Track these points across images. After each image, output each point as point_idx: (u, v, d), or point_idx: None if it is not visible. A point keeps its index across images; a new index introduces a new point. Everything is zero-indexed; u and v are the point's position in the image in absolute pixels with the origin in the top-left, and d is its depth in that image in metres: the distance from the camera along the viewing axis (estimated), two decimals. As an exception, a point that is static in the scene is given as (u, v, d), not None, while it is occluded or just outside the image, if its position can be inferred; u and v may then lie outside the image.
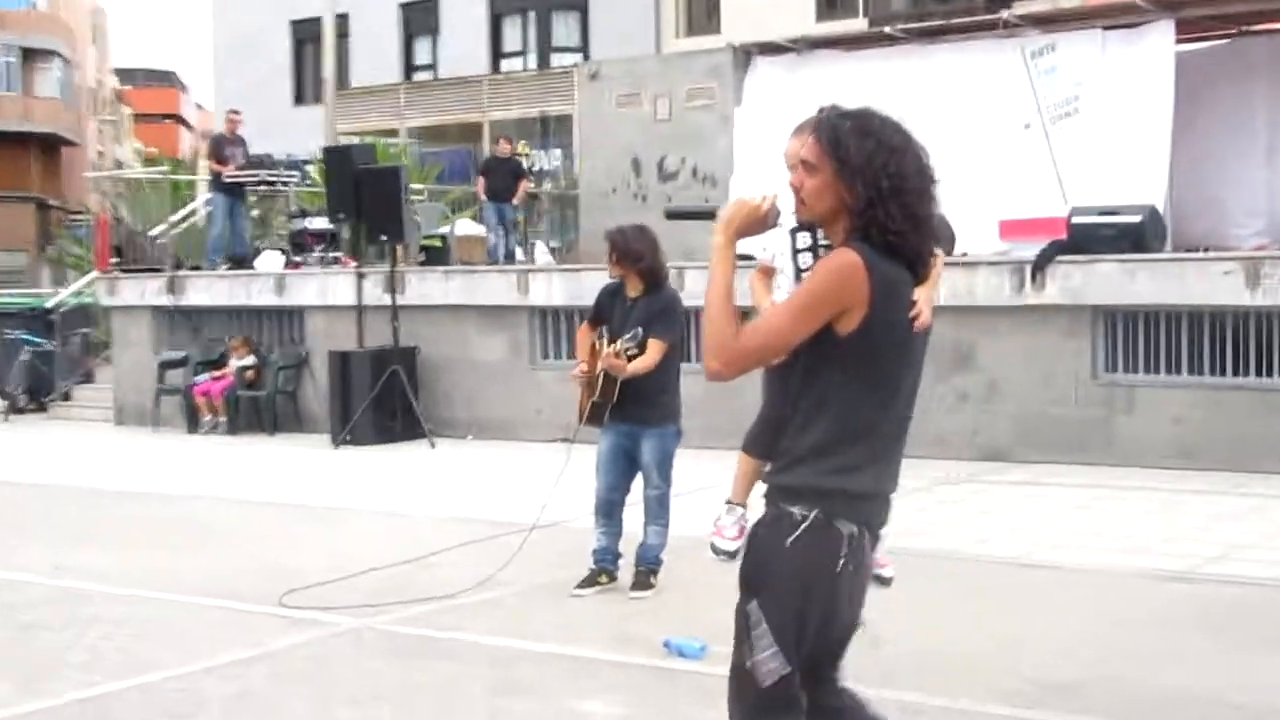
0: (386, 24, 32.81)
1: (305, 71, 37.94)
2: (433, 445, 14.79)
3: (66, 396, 19.68)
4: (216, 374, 16.96)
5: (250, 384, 16.90)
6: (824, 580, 3.55)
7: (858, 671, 6.13)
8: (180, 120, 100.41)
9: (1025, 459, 12.21)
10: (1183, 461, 11.51)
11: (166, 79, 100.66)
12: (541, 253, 20.85)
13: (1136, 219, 12.51)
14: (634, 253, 7.91)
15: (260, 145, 32.07)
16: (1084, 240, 12.55)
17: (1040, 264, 12.16)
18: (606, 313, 8.08)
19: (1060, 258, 12.15)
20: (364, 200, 15.17)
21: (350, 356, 15.36)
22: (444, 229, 19.99)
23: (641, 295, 7.89)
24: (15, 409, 19.39)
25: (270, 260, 17.84)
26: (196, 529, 10.58)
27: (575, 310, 15.04)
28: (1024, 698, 5.91)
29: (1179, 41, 14.38)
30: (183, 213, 19.40)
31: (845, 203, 3.51)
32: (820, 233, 3.78)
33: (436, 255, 18.55)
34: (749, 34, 21.31)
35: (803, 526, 3.52)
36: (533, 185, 23.76)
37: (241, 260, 18.39)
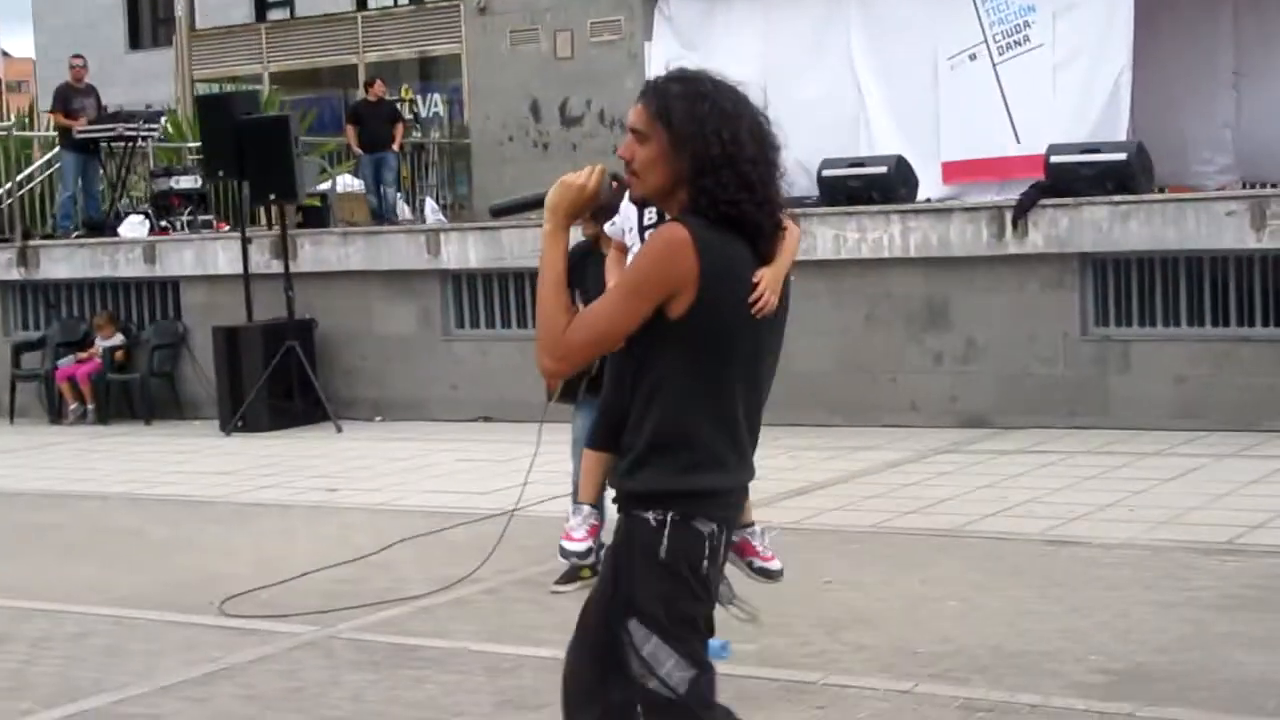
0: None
1: (140, 11, 37.19)
2: (339, 429, 14.54)
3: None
4: (81, 356, 16.51)
5: (120, 366, 16.48)
6: (692, 583, 3.59)
7: (912, 667, 6.14)
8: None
9: (1011, 424, 12.26)
10: (1188, 422, 11.62)
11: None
12: (432, 210, 20.58)
13: (1121, 156, 12.58)
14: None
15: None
16: (1064, 181, 12.59)
17: (1022, 209, 12.18)
18: (578, 275, 7.88)
19: (1043, 201, 12.15)
20: (247, 155, 14.79)
21: (239, 332, 15.03)
22: (323, 186, 19.67)
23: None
24: None
25: (134, 226, 17.39)
26: (102, 533, 10.33)
27: (494, 274, 14.86)
28: (1097, 690, 5.88)
29: (1137, -39, 14.48)
30: (24, 174, 18.77)
31: (680, 174, 3.51)
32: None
33: (315, 216, 18.22)
34: None
35: (661, 533, 3.55)
36: (417, 132, 23.42)
37: (99, 226, 17.91)
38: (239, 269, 15.87)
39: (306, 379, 14.94)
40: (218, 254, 16.16)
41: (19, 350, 17.08)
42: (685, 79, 3.58)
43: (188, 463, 13.29)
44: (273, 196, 14.97)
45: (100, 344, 16.52)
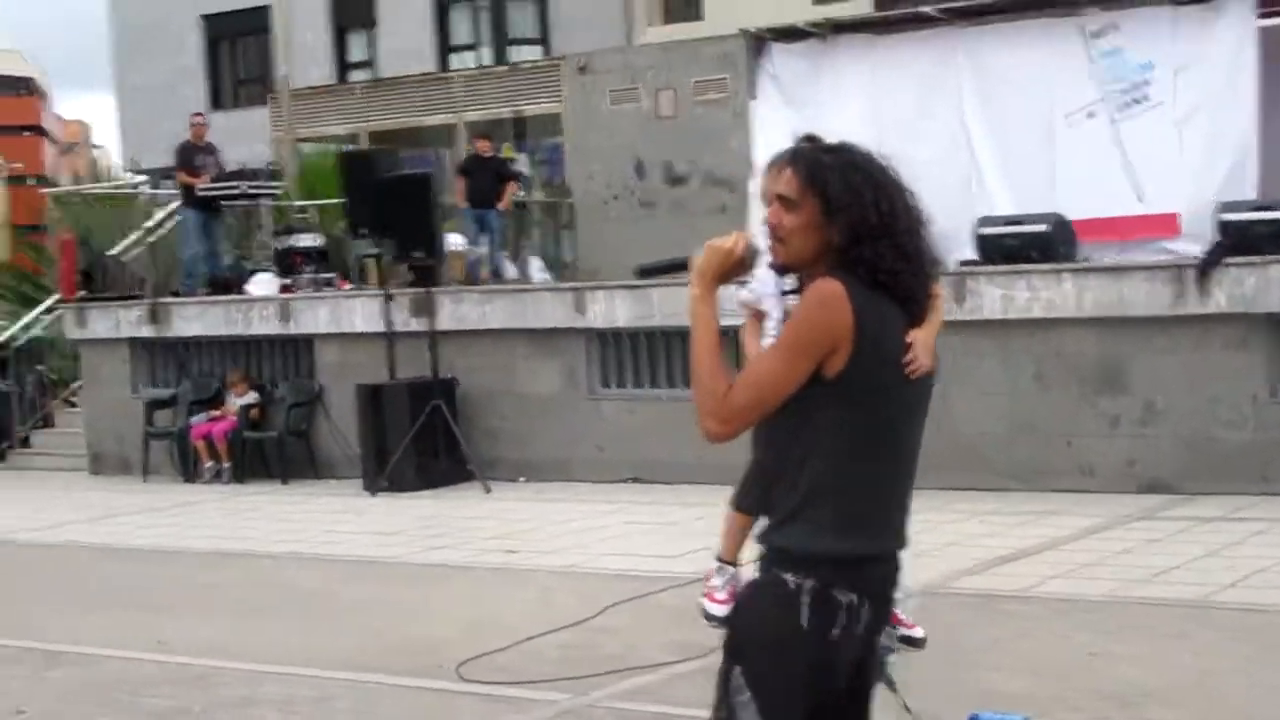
0: (314, 16, 32.14)
1: (221, 72, 37.27)
2: (487, 489, 14.31)
3: (25, 443, 18.96)
4: (215, 414, 16.36)
5: (254, 424, 16.32)
6: (815, 656, 3.56)
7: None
8: (41, 132, 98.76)
9: (1195, 490, 11.92)
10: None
11: (24, 86, 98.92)
12: (538, 269, 20.44)
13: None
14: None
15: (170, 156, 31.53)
16: (1239, 240, 12.34)
17: (1207, 267, 11.91)
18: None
19: (1227, 260, 11.89)
20: (389, 213, 14.66)
21: (382, 390, 14.83)
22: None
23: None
24: (-35, 459, 18.68)
25: (264, 283, 17.27)
26: (287, 593, 10.14)
27: (641, 332, 14.65)
28: None
29: (1261, 16, 14.20)
30: (141, 231, 18.71)
31: (829, 242, 3.57)
32: (807, 272, 3.72)
33: (427, 274, 18.10)
34: (736, 21, 20.96)
35: (794, 598, 3.54)
36: (521, 190, 23.29)
37: (224, 284, 17.81)
38: (374, 327, 15.77)
39: (451, 438, 14.75)
40: (354, 311, 16.03)
41: (151, 408, 16.94)
42: (835, 149, 3.64)
43: (344, 522, 13.11)
44: (417, 254, 14.78)
45: (234, 401, 16.38)
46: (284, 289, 17.16)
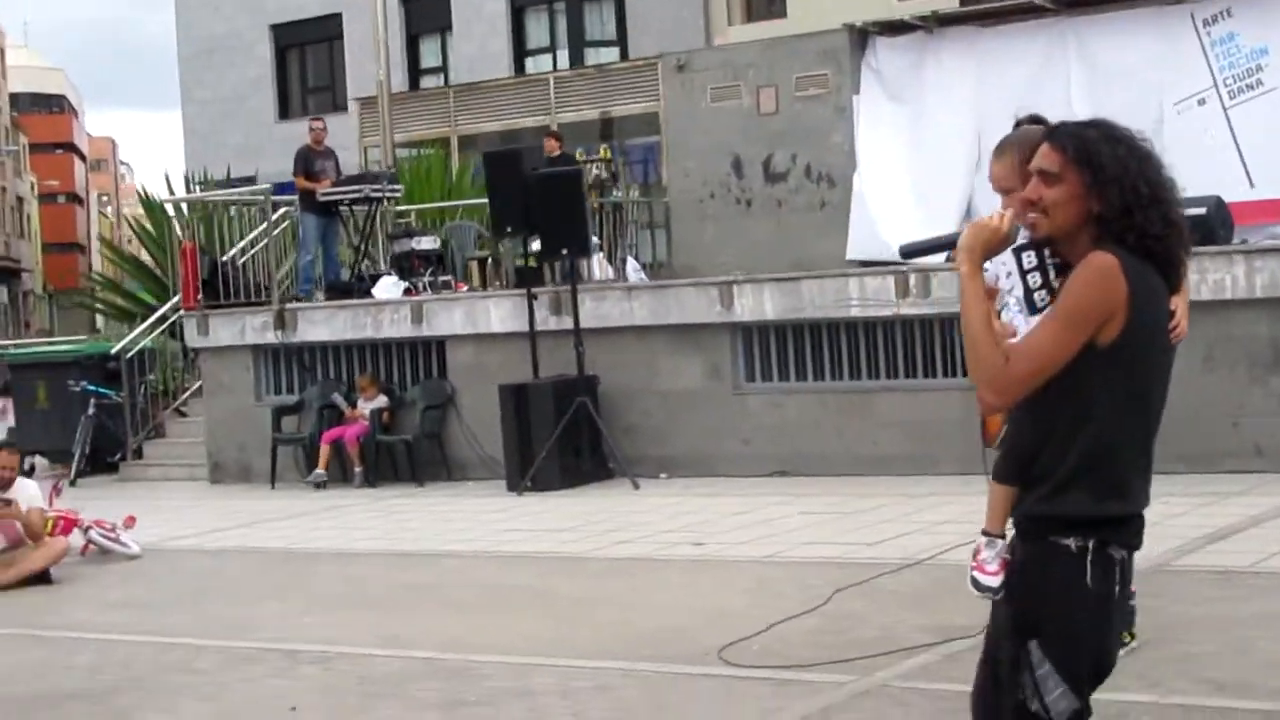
0: (387, 22, 32.16)
1: (289, 81, 37.38)
2: (636, 486, 14.33)
3: (138, 454, 19.02)
4: (348, 418, 16.41)
5: (385, 428, 16.36)
6: (1102, 611, 3.81)
7: None
8: (74, 149, 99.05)
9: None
10: None
11: (57, 104, 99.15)
12: (634, 269, 20.40)
13: None
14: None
15: (243, 166, 31.58)
16: None
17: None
18: None
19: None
20: (537, 210, 14.70)
21: (528, 389, 14.85)
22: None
23: None
24: (81, 471, 18.71)
25: (389, 287, 17.32)
26: (494, 590, 10.17)
27: (789, 325, 14.66)
28: None
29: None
30: (256, 237, 18.79)
31: (1092, 213, 3.77)
32: (1047, 251, 3.97)
33: (529, 276, 18.15)
34: (821, 17, 21.00)
35: (1080, 560, 3.77)
36: (617, 192, 23.27)
37: (345, 289, 17.88)
38: (510, 327, 15.83)
39: (594, 436, 14.78)
40: (489, 311, 16.06)
41: (279, 414, 16.99)
42: (1097, 125, 3.85)
43: (506, 520, 13.13)
44: (564, 251, 14.80)
45: (364, 406, 16.42)
46: (407, 292, 17.21)
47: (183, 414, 19.67)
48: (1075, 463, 3.78)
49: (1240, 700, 6.37)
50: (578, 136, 24.91)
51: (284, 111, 36.93)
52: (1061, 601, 3.79)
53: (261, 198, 18.53)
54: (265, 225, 18.23)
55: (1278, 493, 11.36)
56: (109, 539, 12.41)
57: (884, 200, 18.16)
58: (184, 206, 19.30)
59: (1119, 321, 3.72)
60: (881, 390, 14.19)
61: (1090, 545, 3.77)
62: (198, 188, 27.57)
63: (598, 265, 20.37)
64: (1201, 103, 16.60)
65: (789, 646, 7.83)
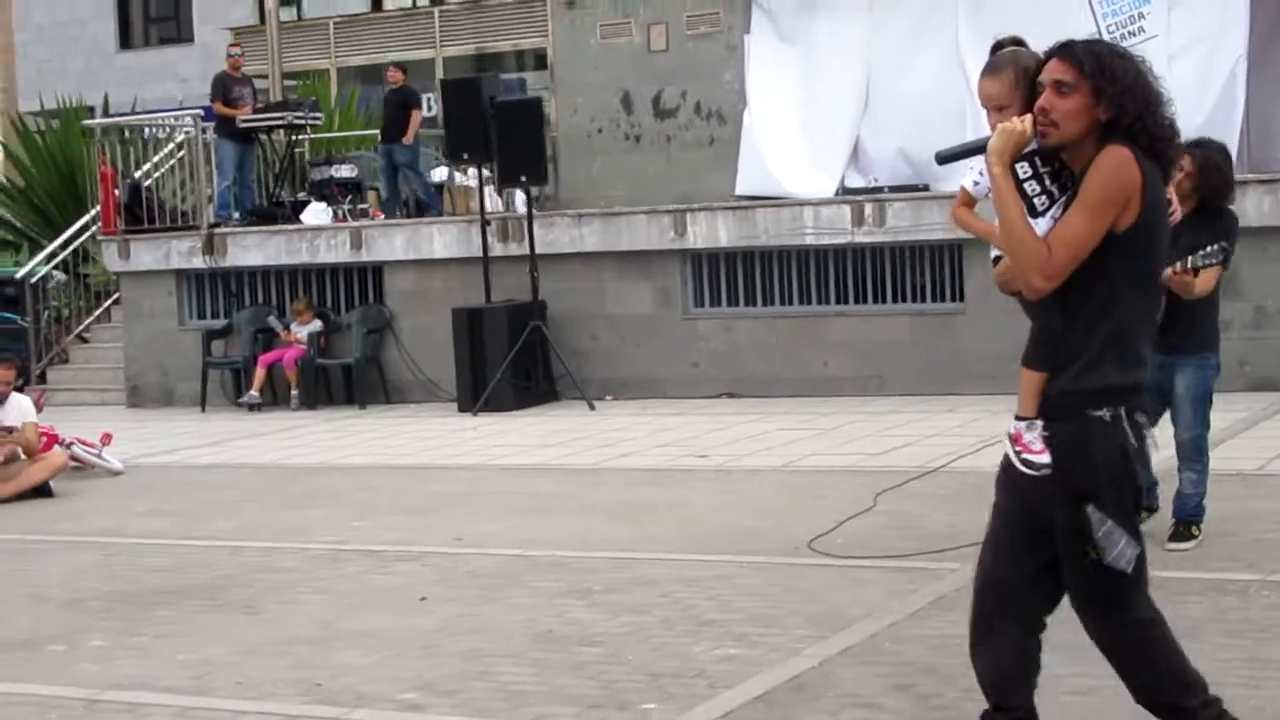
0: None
1: (131, 11, 36.67)
2: (592, 407, 14.71)
3: (42, 379, 18.80)
4: (284, 340, 16.50)
5: (323, 352, 16.49)
6: (1134, 469, 4.35)
7: None
8: None
9: (1301, 388, 12.82)
10: None
11: None
12: (521, 201, 20.66)
13: None
14: (1220, 180, 7.98)
15: (87, 95, 30.92)
16: None
17: (1325, 179, 12.75)
18: None
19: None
20: (497, 139, 14.94)
21: (482, 313, 15.13)
22: (440, 176, 19.79)
23: (1192, 214, 7.87)
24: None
25: (318, 213, 17.41)
26: (532, 498, 10.48)
27: (739, 253, 15.13)
28: None
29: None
30: (155, 159, 18.68)
31: (1098, 121, 4.22)
32: (1039, 160, 4.39)
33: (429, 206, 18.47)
34: None
35: (1116, 427, 4.30)
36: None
37: (267, 215, 17.89)
38: (454, 253, 16.08)
39: (545, 359, 15.13)
40: (433, 238, 16.27)
41: (209, 338, 16.99)
42: (1102, 43, 4.38)
43: (489, 437, 13.41)
44: (523, 179, 15.07)
45: (299, 330, 16.52)
46: (336, 219, 17.33)
47: (85, 340, 19.47)
48: (1103, 338, 4.27)
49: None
50: (462, 72, 24.98)
51: (125, 41, 36.25)
52: (1109, 467, 4.30)
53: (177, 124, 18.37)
54: (185, 151, 18.13)
55: (1246, 406, 12.16)
56: (92, 454, 12.44)
57: (773, 138, 18.50)
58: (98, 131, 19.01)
59: (1135, 208, 4.19)
60: (833, 315, 14.77)
61: (1122, 413, 4.29)
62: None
63: (489, 196, 20.65)
64: None
65: (872, 540, 8.32)
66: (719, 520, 9.23)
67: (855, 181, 16.04)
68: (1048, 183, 4.43)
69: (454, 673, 6.40)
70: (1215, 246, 7.67)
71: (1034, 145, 4.38)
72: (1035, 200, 4.44)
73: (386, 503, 10.60)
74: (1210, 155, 7.91)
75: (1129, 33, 16.96)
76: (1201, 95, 15.36)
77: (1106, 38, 16.61)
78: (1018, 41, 4.70)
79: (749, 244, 14.96)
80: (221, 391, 17.15)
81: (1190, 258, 7.73)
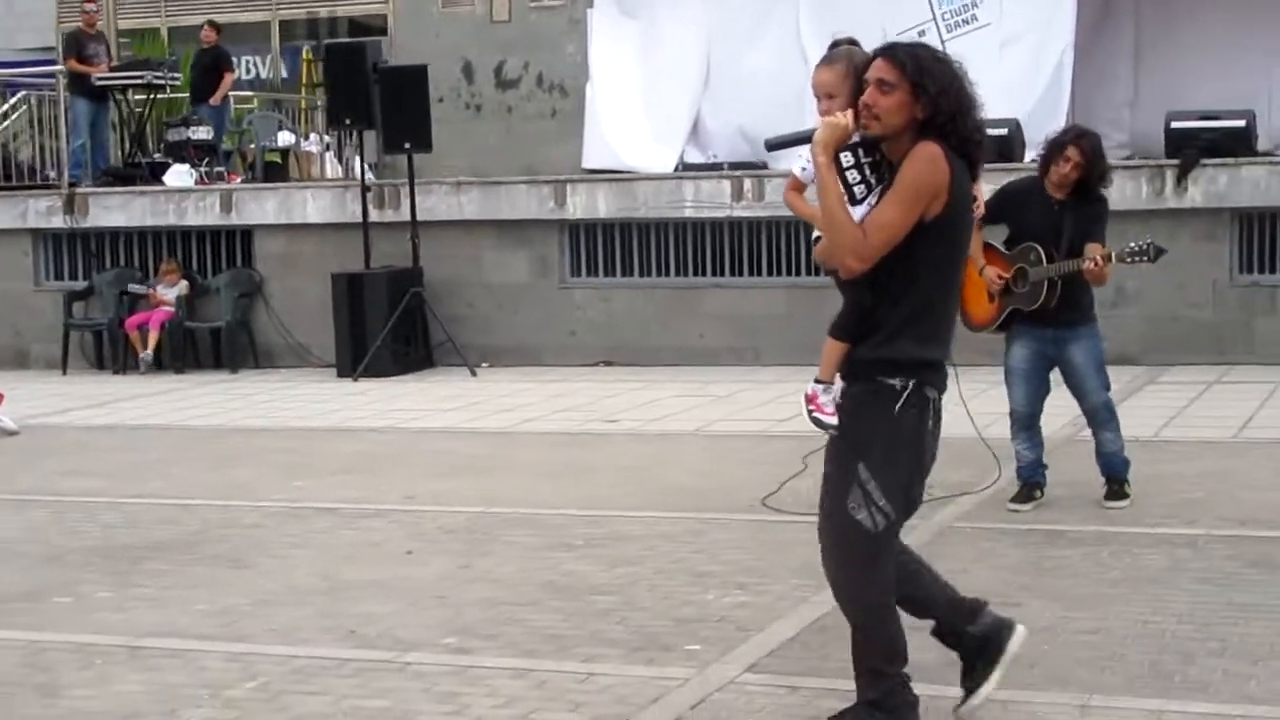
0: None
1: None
2: (473, 373, 15.02)
3: None
4: (154, 304, 16.47)
5: (189, 314, 16.52)
6: (918, 440, 4.82)
7: None
8: None
9: (1157, 362, 13.68)
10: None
11: None
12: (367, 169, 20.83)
13: (1241, 123, 14.13)
14: (1105, 167, 8.57)
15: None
16: (1185, 146, 14.12)
17: (1187, 167, 13.61)
18: (1021, 214, 8.55)
19: (1205, 160, 13.61)
20: (381, 105, 15.14)
21: (363, 279, 15.33)
22: (286, 141, 19.89)
23: (1070, 198, 8.44)
24: None
25: (181, 175, 17.38)
26: (468, 459, 10.75)
27: (617, 224, 15.56)
28: None
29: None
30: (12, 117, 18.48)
31: (916, 118, 4.69)
32: (862, 151, 4.88)
33: (277, 172, 18.55)
34: None
35: (903, 396, 4.75)
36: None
37: (126, 175, 17.79)
38: (328, 218, 16.23)
39: (425, 326, 15.41)
40: (306, 203, 16.39)
41: (71, 300, 16.87)
42: (923, 46, 4.83)
43: (381, 401, 13.60)
44: (407, 145, 15.27)
45: (166, 291, 16.50)
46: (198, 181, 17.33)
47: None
48: (904, 315, 4.75)
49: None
50: (298, 35, 24.87)
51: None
52: (886, 429, 4.78)
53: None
54: (27, 107, 17.94)
55: (1115, 379, 12.92)
56: (-12, 415, 12.41)
57: (615, 112, 18.91)
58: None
59: (943, 199, 4.65)
60: (709, 287, 15.28)
61: (910, 384, 4.75)
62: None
63: (329, 163, 20.78)
64: (921, 34, 17.80)
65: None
66: (661, 481, 9.66)
67: (695, 157, 16.58)
68: (867, 172, 4.90)
69: (482, 619, 6.75)
70: (1146, 243, 8.35)
71: (856, 137, 4.86)
72: (855, 188, 4.95)
73: (313, 464, 10.81)
74: (1096, 144, 8.37)
75: (963, 20, 17.68)
76: (1031, 82, 16.19)
77: (942, 25, 17.46)
78: (853, 41, 5.24)
79: (628, 215, 15.38)
80: (81, 354, 17.03)
81: (1119, 250, 8.36)
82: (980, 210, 5.23)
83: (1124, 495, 8.49)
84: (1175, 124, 14.45)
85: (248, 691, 5.90)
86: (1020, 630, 5.16)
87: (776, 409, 12.19)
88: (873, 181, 4.90)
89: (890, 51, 4.77)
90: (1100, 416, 8.52)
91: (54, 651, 6.51)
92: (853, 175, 4.91)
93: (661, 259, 15.50)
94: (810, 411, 6.32)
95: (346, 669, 6.13)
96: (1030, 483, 8.55)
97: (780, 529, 8.26)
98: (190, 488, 10.00)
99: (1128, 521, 8.13)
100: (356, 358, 15.16)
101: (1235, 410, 11.44)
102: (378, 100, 15.24)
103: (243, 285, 16.56)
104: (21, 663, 6.38)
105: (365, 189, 15.73)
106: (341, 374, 15.25)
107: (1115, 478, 8.54)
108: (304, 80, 23.33)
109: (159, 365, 16.34)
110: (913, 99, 4.67)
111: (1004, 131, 15.06)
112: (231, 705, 5.76)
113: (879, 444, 4.79)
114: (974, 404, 7.75)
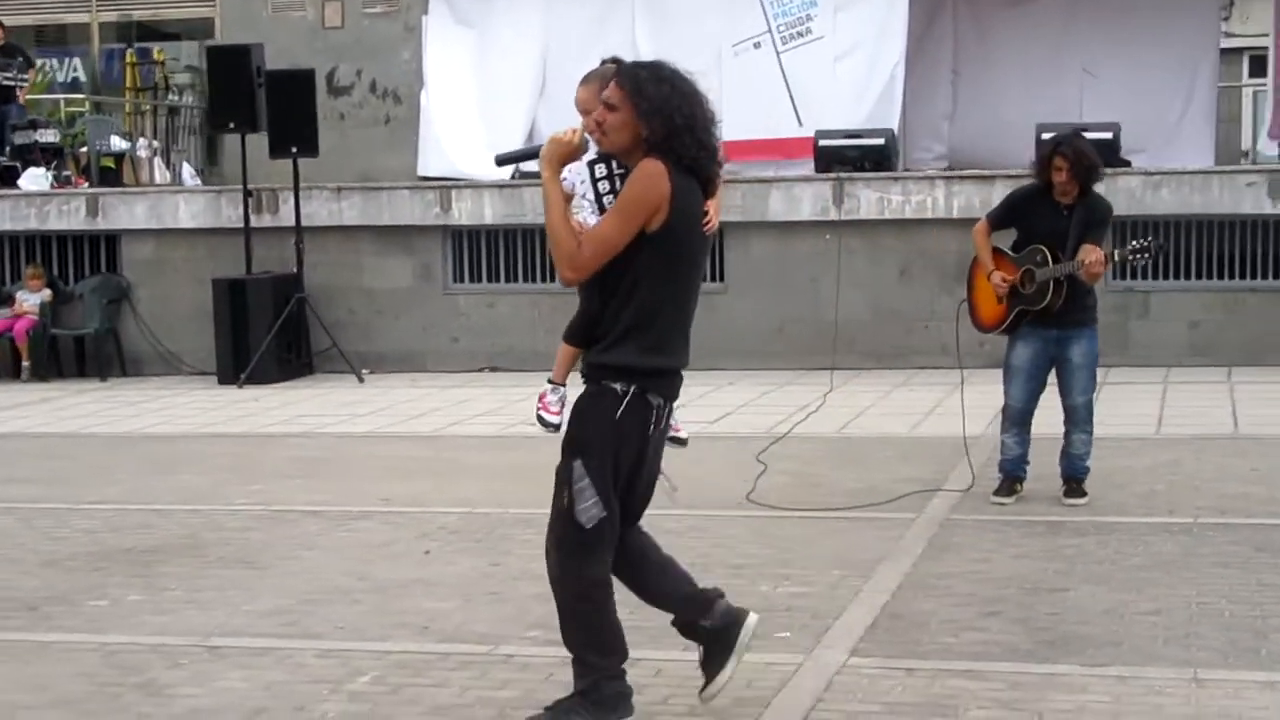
0: None
1: None
2: (361, 379, 14.99)
3: None
4: (15, 311, 16.04)
5: (54, 321, 16.13)
6: (637, 443, 5.04)
7: None
8: None
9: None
10: (1199, 359, 13.99)
11: None
12: (190, 175, 20.61)
13: (880, 141, 14.92)
14: (1093, 163, 9.01)
15: None
16: (831, 161, 15.00)
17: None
18: (1028, 219, 9.00)
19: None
20: (267, 108, 15.01)
21: (245, 285, 15.16)
22: (122, 146, 19.53)
23: (1078, 201, 8.91)
24: None
25: (37, 178, 16.96)
26: (412, 461, 10.84)
27: (501, 230, 15.64)
28: None
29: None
30: None
31: (642, 136, 4.91)
32: (615, 163, 5.23)
33: (111, 177, 18.26)
34: None
35: (624, 400, 4.96)
36: (174, 96, 22.94)
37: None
38: (201, 223, 16.01)
39: (307, 332, 15.31)
40: (178, 207, 16.15)
41: (-74, 307, 16.35)
42: (650, 66, 5.02)
43: (279, 409, 13.53)
44: (294, 150, 15.15)
45: (26, 299, 16.09)
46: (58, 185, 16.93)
47: None
48: (626, 323, 4.92)
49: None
50: (121, 38, 24.34)
51: None
52: (603, 430, 4.97)
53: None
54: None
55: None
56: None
57: (450, 120, 18.97)
58: None
59: (663, 215, 4.84)
60: (594, 292, 15.42)
61: (632, 390, 4.93)
62: None
63: (158, 168, 20.43)
64: (757, 46, 18.34)
65: (795, 496, 9.07)
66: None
67: (532, 166, 16.59)
68: (618, 184, 5.14)
69: (550, 612, 6.79)
70: (1147, 241, 8.79)
71: (594, 153, 5.16)
72: (604, 199, 5.26)
73: (255, 468, 10.73)
74: (1078, 146, 8.67)
75: (797, 33, 18.14)
76: (864, 94, 16.76)
77: (777, 37, 17.91)
78: (617, 60, 5.55)
79: (513, 222, 15.47)
80: (-72, 363, 16.51)
81: (1129, 246, 8.79)
82: (712, 225, 5.23)
83: (1083, 493, 8.83)
84: (823, 142, 15.13)
85: (365, 685, 5.93)
86: (751, 619, 5.39)
87: (697, 412, 12.32)
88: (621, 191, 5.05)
89: (619, 72, 5.01)
90: (1079, 415, 8.84)
91: (127, 653, 6.43)
92: (604, 185, 5.20)
93: (547, 265, 15.60)
94: (537, 410, 6.65)
95: (450, 662, 6.19)
96: (1012, 476, 8.93)
97: (781, 524, 8.50)
98: (148, 494, 9.86)
99: (1115, 512, 8.54)
100: (239, 364, 14.98)
101: (1141, 409, 12.00)
102: (263, 104, 15.04)
103: (110, 292, 16.24)
104: (105, 664, 6.31)
105: (248, 194, 15.55)
106: (223, 381, 15.08)
107: (1074, 477, 8.90)
108: (127, 83, 22.80)
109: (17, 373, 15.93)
110: (634, 118, 4.89)
111: (881, 142, 15.60)
112: (358, 699, 5.79)
113: (597, 444, 4.99)
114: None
